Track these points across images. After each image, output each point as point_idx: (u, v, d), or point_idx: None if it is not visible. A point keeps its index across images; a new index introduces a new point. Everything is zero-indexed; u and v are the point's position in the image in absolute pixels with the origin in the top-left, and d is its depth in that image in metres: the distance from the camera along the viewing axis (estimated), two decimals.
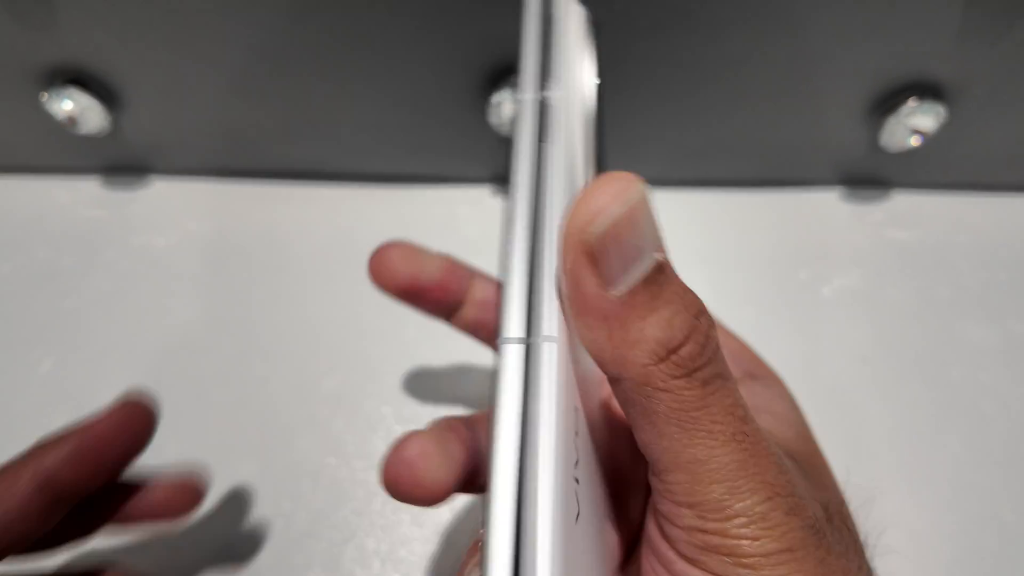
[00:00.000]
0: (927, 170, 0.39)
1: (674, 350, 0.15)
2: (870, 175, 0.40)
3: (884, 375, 0.34)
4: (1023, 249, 0.38)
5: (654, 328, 0.15)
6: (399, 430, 0.33)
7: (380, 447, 0.32)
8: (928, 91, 0.34)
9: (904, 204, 0.40)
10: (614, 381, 0.16)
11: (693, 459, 0.15)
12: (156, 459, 0.32)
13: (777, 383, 0.24)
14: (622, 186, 0.14)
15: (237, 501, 0.31)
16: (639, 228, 0.14)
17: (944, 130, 0.35)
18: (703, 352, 0.15)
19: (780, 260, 0.38)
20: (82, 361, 0.34)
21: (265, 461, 0.32)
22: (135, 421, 0.23)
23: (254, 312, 0.36)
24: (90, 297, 0.37)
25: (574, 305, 0.15)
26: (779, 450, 0.17)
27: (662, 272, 0.15)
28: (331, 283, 0.37)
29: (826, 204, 0.40)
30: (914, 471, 0.32)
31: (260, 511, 0.30)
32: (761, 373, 0.24)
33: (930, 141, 0.35)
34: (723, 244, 0.38)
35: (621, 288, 0.14)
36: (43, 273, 0.37)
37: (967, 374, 0.34)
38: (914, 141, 0.35)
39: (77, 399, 0.33)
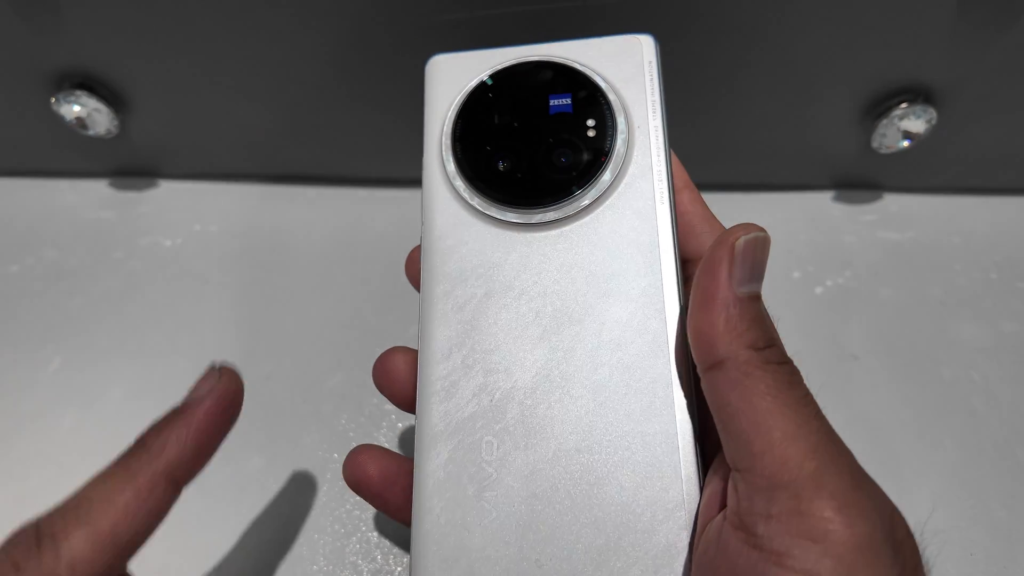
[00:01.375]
0: (918, 172, 0.39)
1: (768, 347, 0.19)
2: (862, 177, 0.40)
3: (876, 374, 0.35)
4: (1014, 249, 0.39)
5: (756, 329, 0.19)
6: (401, 426, 0.33)
7: (383, 442, 0.33)
8: (919, 95, 0.35)
9: (896, 205, 0.40)
10: (716, 366, 0.19)
11: (785, 433, 0.17)
12: None
13: None
14: (760, 228, 0.20)
15: (244, 495, 0.31)
16: (765, 255, 0.20)
17: (935, 133, 0.35)
18: (787, 357, 0.19)
19: (773, 260, 0.38)
20: (90, 360, 0.35)
21: (271, 456, 0.32)
22: (234, 395, 0.22)
23: (259, 311, 0.37)
24: (98, 297, 0.37)
25: (704, 291, 0.19)
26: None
27: (763, 303, 0.19)
28: (335, 283, 0.38)
29: (819, 206, 0.40)
30: (905, 469, 0.32)
31: (266, 505, 0.31)
32: None
33: (921, 144, 0.36)
34: None
35: (743, 291, 0.19)
36: (52, 273, 0.38)
37: (958, 373, 0.35)
38: (905, 144, 0.36)
39: (85, 397, 0.34)
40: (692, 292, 0.20)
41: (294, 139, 0.39)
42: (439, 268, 0.23)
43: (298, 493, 0.31)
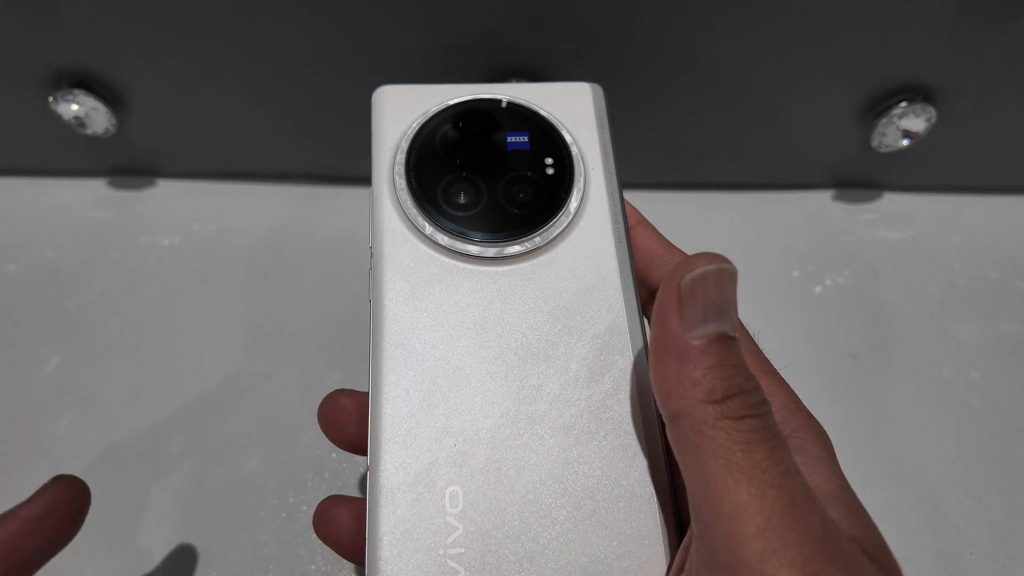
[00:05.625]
0: (918, 171, 0.39)
1: (728, 398, 0.16)
2: (862, 176, 0.40)
3: (875, 373, 0.35)
4: (1013, 249, 0.39)
5: (714, 377, 0.17)
6: None
7: None
8: (919, 93, 0.35)
9: (895, 205, 0.40)
10: (673, 420, 0.17)
11: (735, 506, 0.15)
12: (162, 454, 0.32)
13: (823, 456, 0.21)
14: (718, 256, 0.17)
15: (242, 495, 0.31)
16: (723, 289, 0.17)
17: (934, 132, 0.36)
18: (753, 407, 0.16)
19: (773, 259, 0.39)
20: (88, 359, 0.35)
21: (270, 456, 0.32)
22: (64, 506, 0.20)
23: (257, 310, 0.37)
24: (96, 296, 0.37)
25: (655, 339, 0.17)
26: (830, 518, 0.16)
27: (734, 342, 0.17)
28: (332, 282, 0.38)
29: (819, 205, 0.40)
30: (904, 467, 0.32)
31: (265, 504, 0.31)
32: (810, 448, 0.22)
33: (921, 143, 0.36)
34: (718, 244, 0.39)
35: (697, 334, 0.17)
36: (50, 272, 0.38)
37: (958, 372, 0.35)
38: (905, 143, 0.36)
39: (83, 396, 0.34)
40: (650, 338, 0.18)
41: (293, 139, 0.39)
42: (390, 296, 0.21)
43: (296, 492, 0.31)
